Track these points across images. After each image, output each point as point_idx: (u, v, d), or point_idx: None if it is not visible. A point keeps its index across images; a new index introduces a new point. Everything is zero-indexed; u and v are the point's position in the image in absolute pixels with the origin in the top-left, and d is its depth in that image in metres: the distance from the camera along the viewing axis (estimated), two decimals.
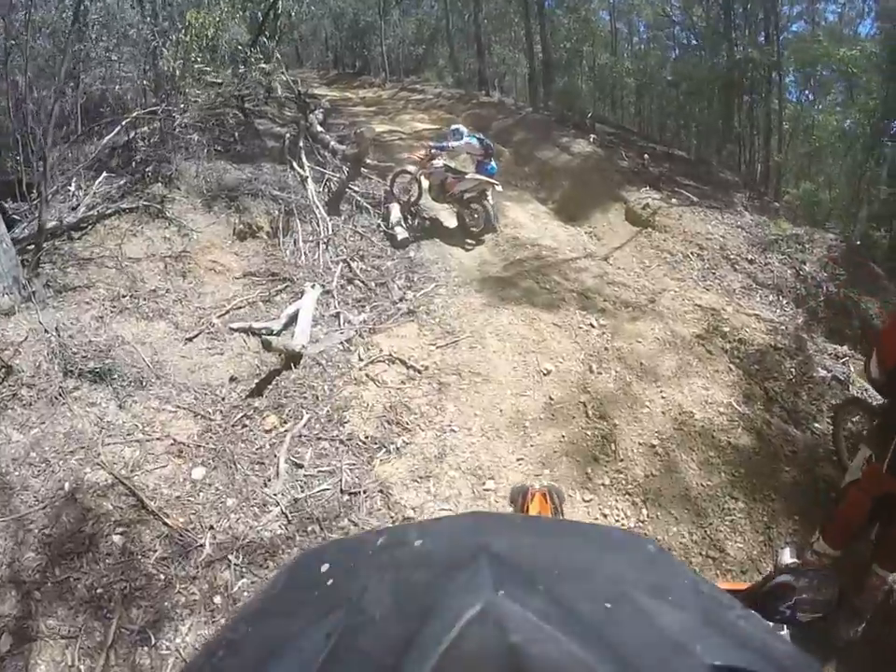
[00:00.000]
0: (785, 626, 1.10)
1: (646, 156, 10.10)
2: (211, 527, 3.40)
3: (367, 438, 4.07)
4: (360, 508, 3.59)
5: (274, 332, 4.99)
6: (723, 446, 4.29)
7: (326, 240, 6.47)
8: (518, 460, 3.98)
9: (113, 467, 3.64)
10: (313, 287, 5.52)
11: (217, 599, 3.09)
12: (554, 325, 5.37)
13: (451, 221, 7.36)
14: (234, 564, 3.23)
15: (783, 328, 5.97)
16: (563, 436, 4.21)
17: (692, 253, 7.33)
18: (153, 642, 2.87)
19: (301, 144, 8.05)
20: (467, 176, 6.81)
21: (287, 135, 8.27)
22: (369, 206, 7.22)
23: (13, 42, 5.71)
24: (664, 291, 6.28)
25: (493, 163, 7.07)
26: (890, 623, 3.15)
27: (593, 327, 5.42)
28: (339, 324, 5.31)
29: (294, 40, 22.76)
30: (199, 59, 7.29)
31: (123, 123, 6.45)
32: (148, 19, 7.47)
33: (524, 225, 7.74)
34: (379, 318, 5.40)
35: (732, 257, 7.30)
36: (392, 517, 3.57)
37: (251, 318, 5.26)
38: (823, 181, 13.19)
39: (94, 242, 5.56)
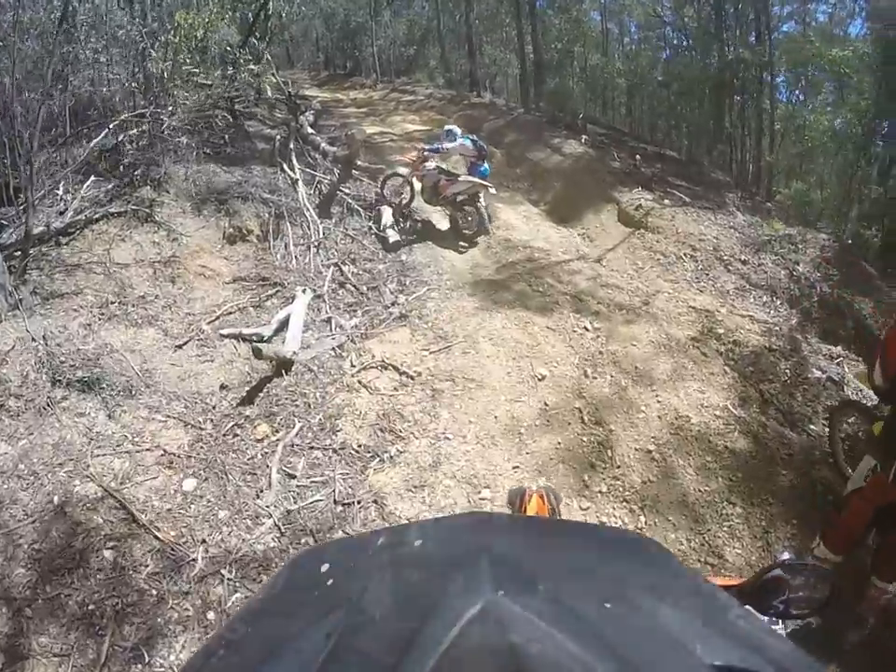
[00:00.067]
0: (780, 621, 1.11)
1: (638, 156, 10.09)
2: (203, 541, 3.34)
3: (360, 446, 4.01)
4: (354, 519, 3.53)
5: (265, 338, 4.93)
6: (720, 451, 4.27)
7: (317, 243, 6.41)
8: (514, 468, 3.93)
9: (102, 479, 3.57)
10: (304, 291, 5.46)
11: (211, 615, 3.02)
12: (548, 328, 5.33)
13: (443, 224, 7.32)
14: (227, 578, 3.16)
15: (777, 329, 5.96)
16: (559, 443, 4.17)
17: (685, 254, 7.31)
18: (147, 660, 2.81)
19: (291, 146, 8.00)
20: (460, 179, 6.76)
21: (278, 137, 8.22)
22: (360, 209, 7.17)
23: (0, 43, 5.62)
24: (657, 293, 6.26)
25: (486, 165, 7.03)
26: (890, 626, 3.15)
27: (587, 330, 5.39)
28: (330, 329, 5.25)
29: (285, 41, 22.65)
30: (188, 60, 7.20)
31: (111, 126, 6.36)
32: (137, 19, 7.38)
33: (516, 227, 7.71)
34: (371, 323, 5.35)
35: (725, 258, 7.30)
36: None
37: (241, 324, 5.20)
38: (815, 181, 13.25)
39: (82, 247, 5.46)
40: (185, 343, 4.89)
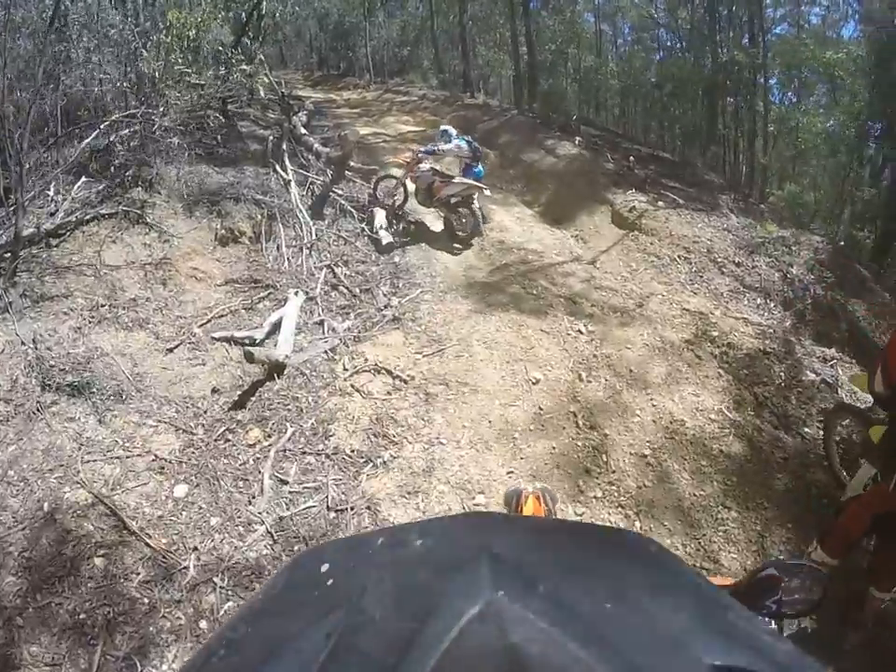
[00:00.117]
0: (773, 621, 1.09)
1: (631, 158, 10.09)
2: (195, 548, 3.30)
3: (353, 452, 3.97)
4: (348, 525, 3.50)
5: (257, 341, 4.89)
6: (715, 454, 4.26)
7: (309, 245, 6.37)
8: (508, 473, 3.90)
9: (93, 485, 3.52)
10: (296, 293, 5.42)
11: (203, 624, 2.99)
12: (542, 331, 5.31)
13: (436, 225, 7.29)
14: (220, 586, 3.13)
15: (771, 331, 5.96)
16: (553, 447, 4.15)
17: (679, 256, 7.30)
18: (139, 669, 2.77)
19: (284, 146, 7.96)
20: (454, 180, 6.73)
21: (271, 138, 8.17)
22: (353, 210, 7.13)
23: None
24: (651, 295, 6.25)
25: (480, 167, 7.00)
26: (889, 629, 3.21)
27: (581, 333, 5.37)
28: (323, 332, 5.21)
29: (278, 41, 22.66)
30: (180, 60, 7.15)
31: (101, 127, 6.30)
32: (130, 19, 7.32)
33: (509, 228, 7.69)
34: (364, 326, 5.31)
35: (719, 260, 7.29)
36: None
37: (233, 327, 5.16)
38: (808, 183, 13.30)
39: (73, 249, 5.40)
40: (176, 347, 4.85)
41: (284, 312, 5.16)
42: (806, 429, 4.69)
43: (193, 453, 3.91)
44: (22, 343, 4.33)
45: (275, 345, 4.79)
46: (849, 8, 14.01)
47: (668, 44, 15.28)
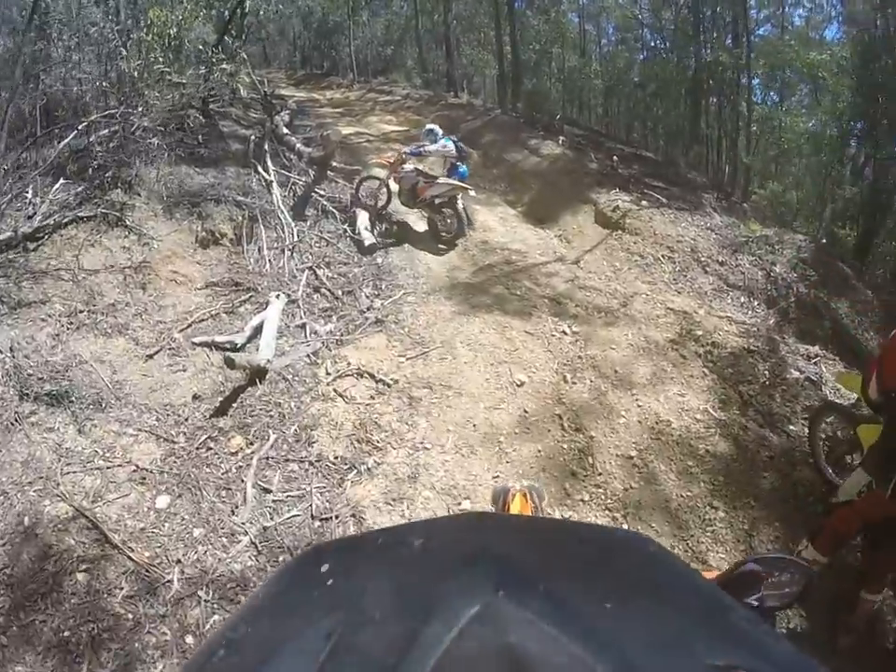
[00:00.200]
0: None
1: (615, 158, 10.08)
2: (178, 561, 3.23)
3: (337, 458, 3.92)
4: (333, 534, 3.44)
5: (238, 346, 4.81)
6: (701, 454, 4.26)
7: (291, 246, 6.29)
8: (494, 478, 3.86)
9: (73, 498, 3.44)
10: (277, 297, 5.34)
11: (189, 639, 2.93)
12: (527, 333, 5.28)
13: (420, 226, 7.24)
14: (204, 600, 3.06)
15: (755, 330, 5.98)
16: (539, 450, 4.12)
17: (662, 255, 7.30)
18: None
19: (266, 147, 7.87)
20: (438, 181, 6.68)
21: (253, 138, 8.09)
22: (335, 211, 7.05)
23: None
24: (635, 295, 6.24)
25: (465, 167, 6.96)
26: (881, 629, 3.31)
27: (565, 334, 5.35)
28: (305, 335, 5.14)
29: (261, 39, 22.46)
30: (160, 59, 7.03)
31: (79, 127, 6.18)
32: (111, 17, 7.20)
33: (493, 229, 7.66)
34: (346, 329, 5.25)
35: (703, 259, 7.30)
36: None
37: (214, 331, 5.06)
38: (790, 182, 13.40)
39: (50, 253, 5.27)
40: (156, 353, 4.74)
41: (265, 315, 5.09)
42: (792, 427, 4.71)
43: (175, 462, 3.83)
44: (0, 352, 4.23)
45: (257, 350, 4.71)
46: (833, 10, 14.17)
47: (652, 44, 15.32)
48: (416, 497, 3.71)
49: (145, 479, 3.68)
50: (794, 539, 3.67)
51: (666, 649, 0.40)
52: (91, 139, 6.29)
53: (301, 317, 5.34)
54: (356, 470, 3.86)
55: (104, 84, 6.72)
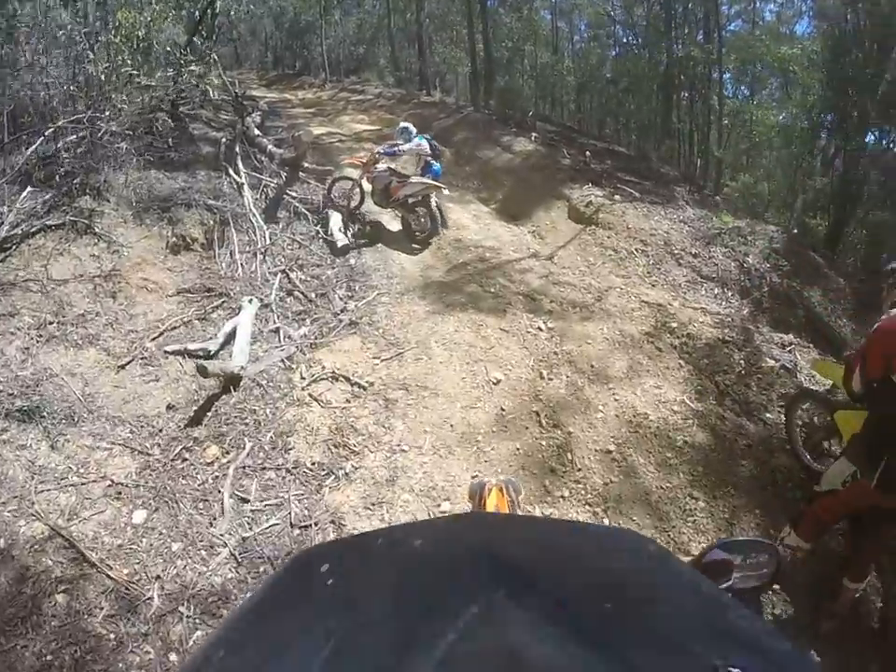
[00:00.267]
0: None
1: (587, 153, 10.12)
2: (158, 577, 3.15)
3: (314, 464, 3.86)
4: (313, 542, 3.37)
5: (212, 353, 4.74)
6: (680, 446, 4.27)
7: (263, 250, 6.21)
8: (472, 478, 3.81)
9: (49, 516, 3.35)
10: (250, 301, 5.27)
11: (173, 657, 2.85)
12: (502, 330, 5.25)
13: (393, 225, 7.19)
14: (186, 616, 2.98)
15: (730, 320, 6.03)
16: (517, 448, 4.10)
17: (636, 249, 7.34)
18: None
19: (237, 149, 7.75)
20: (411, 180, 6.64)
21: (223, 140, 7.96)
22: (307, 212, 6.98)
23: None
24: (610, 289, 6.24)
25: (438, 165, 6.92)
26: (863, 616, 3.33)
27: (541, 330, 5.33)
28: (279, 340, 5.07)
29: (233, 40, 22.17)
30: (129, 61, 6.88)
31: (46, 133, 6.03)
32: (79, 19, 7.04)
33: (466, 226, 7.63)
34: (320, 332, 5.19)
35: (676, 251, 7.35)
36: None
37: (187, 339, 4.98)
38: (761, 174, 13.57)
39: (18, 264, 5.11)
40: (128, 363, 4.64)
41: (238, 321, 5.01)
42: (768, 415, 4.74)
43: (150, 475, 3.75)
44: None
45: (230, 356, 4.64)
46: (804, 5, 14.40)
47: (624, 40, 15.45)
48: (395, 500, 3.67)
49: (120, 494, 3.59)
50: (775, 526, 3.69)
51: (666, 648, 0.40)
52: (58, 145, 6.14)
53: (275, 322, 5.27)
54: (333, 476, 3.80)
55: (71, 88, 6.55)
